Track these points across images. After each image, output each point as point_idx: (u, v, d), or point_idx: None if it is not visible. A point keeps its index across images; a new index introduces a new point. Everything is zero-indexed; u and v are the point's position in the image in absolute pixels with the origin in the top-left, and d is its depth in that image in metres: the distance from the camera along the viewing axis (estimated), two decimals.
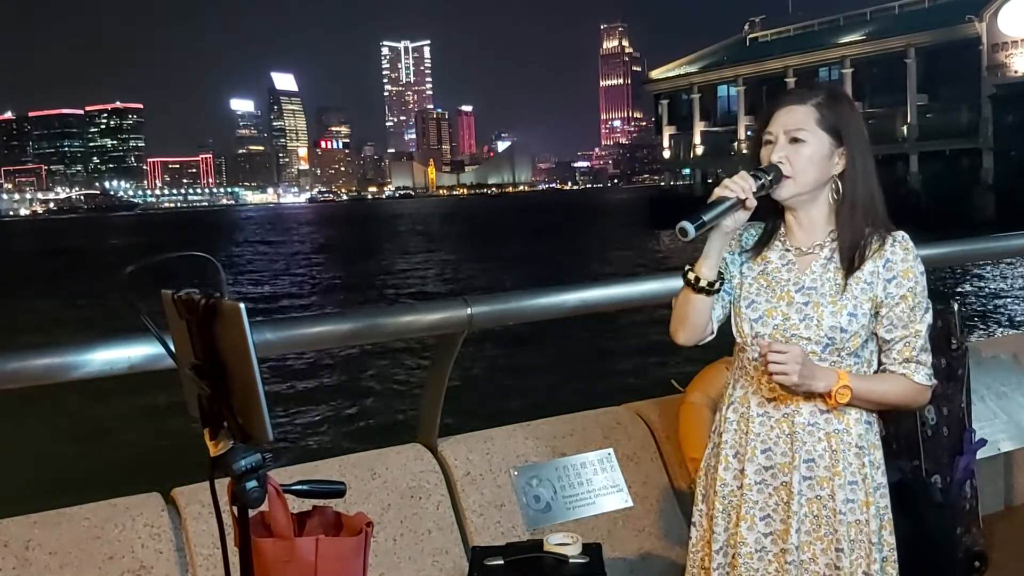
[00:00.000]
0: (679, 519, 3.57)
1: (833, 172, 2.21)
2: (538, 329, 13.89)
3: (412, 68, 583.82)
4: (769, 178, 2.16)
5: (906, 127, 53.06)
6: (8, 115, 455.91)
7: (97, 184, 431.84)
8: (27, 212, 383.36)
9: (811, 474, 2.20)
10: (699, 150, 66.23)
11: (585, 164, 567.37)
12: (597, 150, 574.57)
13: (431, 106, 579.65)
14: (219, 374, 1.66)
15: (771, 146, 2.21)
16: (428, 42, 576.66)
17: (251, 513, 1.75)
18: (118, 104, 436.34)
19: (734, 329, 2.30)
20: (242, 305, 1.58)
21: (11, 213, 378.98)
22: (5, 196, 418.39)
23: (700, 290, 2.22)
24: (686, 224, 2.07)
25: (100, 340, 2.68)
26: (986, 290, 23.21)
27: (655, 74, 73.39)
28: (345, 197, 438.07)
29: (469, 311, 3.19)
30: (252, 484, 1.68)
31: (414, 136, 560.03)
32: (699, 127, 66.37)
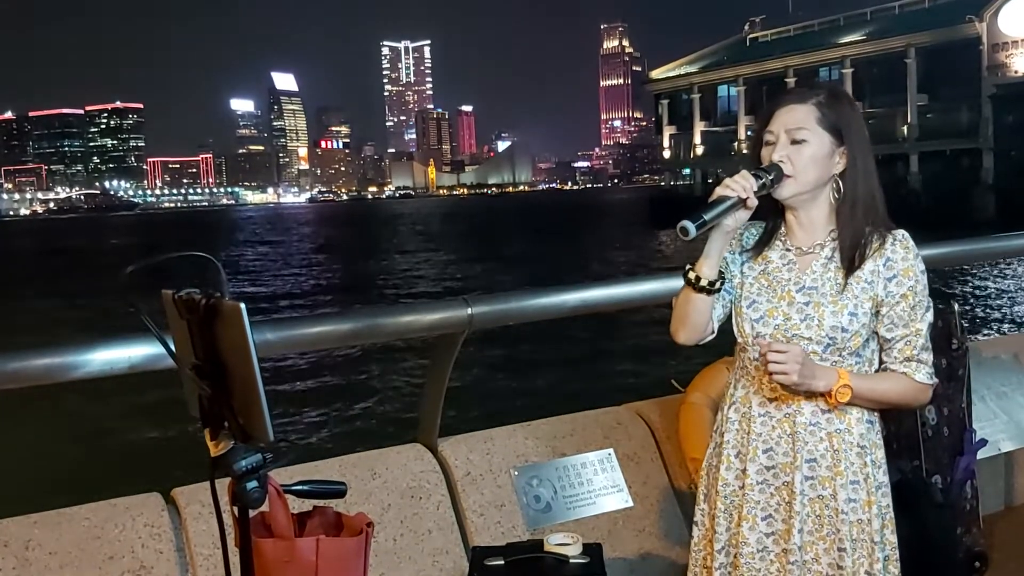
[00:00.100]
0: (679, 519, 3.57)
1: (834, 171, 2.21)
2: (538, 329, 13.88)
3: (412, 68, 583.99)
4: (770, 177, 2.15)
5: (906, 127, 53.07)
6: (8, 115, 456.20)
7: (97, 184, 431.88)
8: (27, 212, 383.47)
9: (813, 474, 2.20)
10: (699, 150, 66.25)
11: (585, 164, 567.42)
12: (597, 150, 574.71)
13: (431, 106, 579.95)
14: (220, 374, 1.66)
15: (772, 145, 2.21)
16: (428, 42, 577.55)
17: (251, 513, 1.75)
18: (118, 104, 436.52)
19: (735, 329, 2.30)
20: (243, 305, 1.58)
21: (11, 213, 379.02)
22: (5, 196, 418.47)
23: (701, 289, 2.22)
24: (687, 223, 2.07)
25: (100, 340, 2.68)
26: (986, 290, 23.21)
27: (655, 74, 73.41)
28: (345, 197, 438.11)
29: (469, 311, 3.19)
30: (253, 484, 1.68)
31: (414, 136, 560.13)
32: (699, 127, 66.39)
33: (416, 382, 14.20)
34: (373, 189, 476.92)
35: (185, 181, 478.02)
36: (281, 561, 1.98)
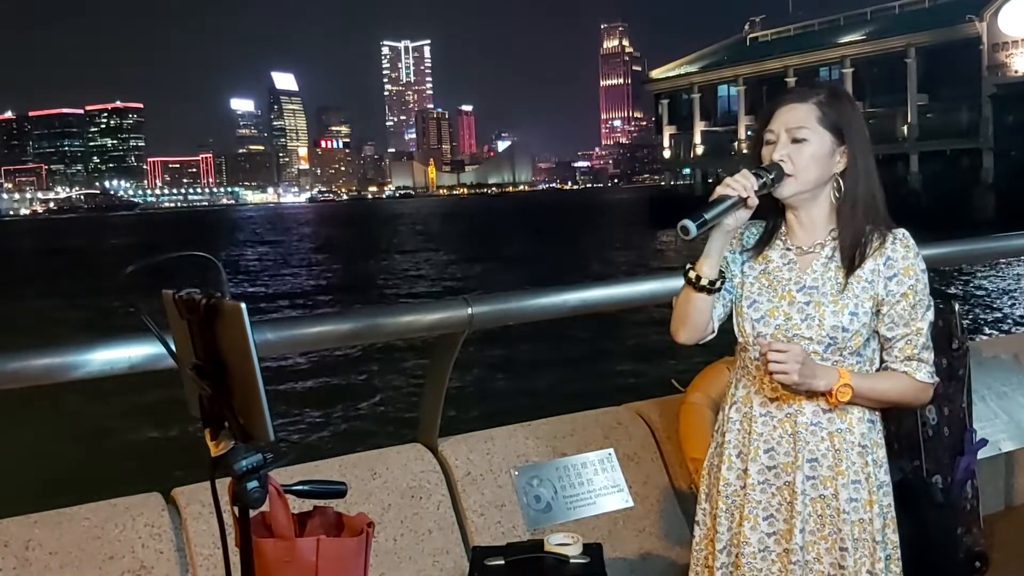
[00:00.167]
0: (680, 519, 3.57)
1: (834, 170, 2.21)
2: (538, 329, 13.88)
3: (412, 68, 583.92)
4: (771, 176, 2.15)
5: (906, 127, 53.10)
6: (8, 115, 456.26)
7: (97, 184, 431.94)
8: (27, 212, 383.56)
9: (814, 473, 2.20)
10: (699, 150, 66.26)
11: (585, 164, 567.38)
12: (597, 150, 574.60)
13: (431, 106, 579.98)
14: (220, 374, 1.66)
15: (772, 145, 2.20)
16: (428, 42, 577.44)
17: (252, 513, 1.75)
18: (118, 104, 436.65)
19: (736, 329, 2.30)
20: (243, 305, 1.58)
21: (11, 213, 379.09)
22: (5, 196, 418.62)
23: (701, 289, 2.21)
24: (688, 222, 2.07)
25: (100, 340, 2.68)
26: (986, 290, 23.21)
27: (655, 74, 73.43)
28: (345, 197, 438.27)
29: (469, 311, 3.19)
30: (253, 484, 1.68)
31: (414, 136, 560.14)
32: (699, 127, 66.42)
33: (416, 382, 14.19)
34: (373, 189, 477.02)
35: (185, 181, 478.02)
36: (281, 561, 1.98)
